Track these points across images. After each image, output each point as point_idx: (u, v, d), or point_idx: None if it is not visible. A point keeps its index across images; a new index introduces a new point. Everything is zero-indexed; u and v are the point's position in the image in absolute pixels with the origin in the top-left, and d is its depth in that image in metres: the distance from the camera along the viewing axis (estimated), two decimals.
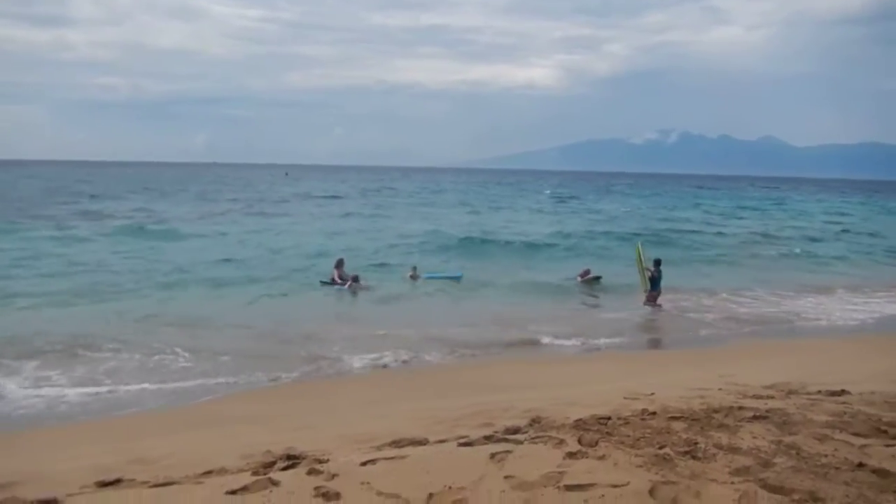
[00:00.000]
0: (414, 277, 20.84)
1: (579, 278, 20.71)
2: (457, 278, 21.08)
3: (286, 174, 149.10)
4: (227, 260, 23.95)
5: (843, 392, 7.87)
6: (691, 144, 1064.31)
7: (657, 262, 17.28)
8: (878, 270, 26.57)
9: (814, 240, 36.52)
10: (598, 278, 20.49)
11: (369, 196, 69.61)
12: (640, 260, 17.34)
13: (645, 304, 17.07)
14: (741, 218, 52.24)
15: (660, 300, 17.10)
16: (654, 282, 16.99)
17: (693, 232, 37.65)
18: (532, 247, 28.74)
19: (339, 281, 19.51)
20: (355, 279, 19.38)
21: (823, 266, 26.98)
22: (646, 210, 58.27)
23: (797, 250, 31.73)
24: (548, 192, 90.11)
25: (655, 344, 14.34)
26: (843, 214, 58.73)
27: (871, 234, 39.87)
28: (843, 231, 41.57)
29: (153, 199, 55.48)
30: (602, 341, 14.41)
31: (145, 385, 10.73)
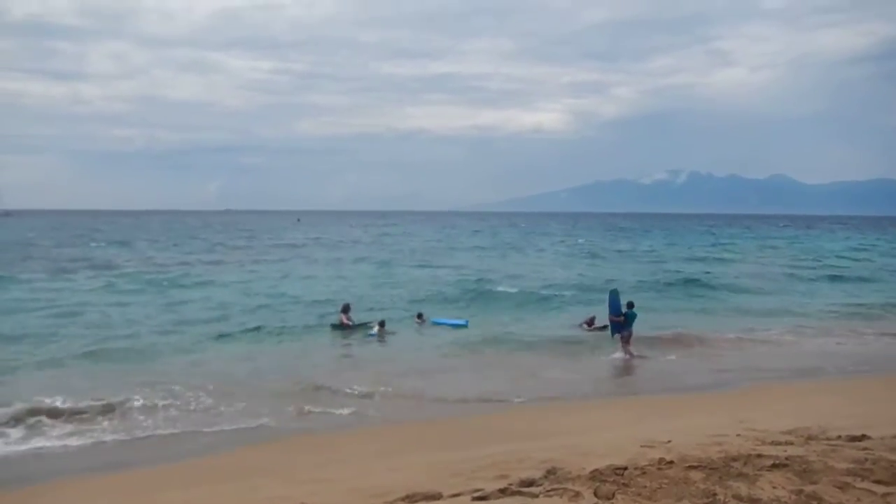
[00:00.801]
0: (421, 322, 20.84)
1: (585, 326, 20.44)
2: (463, 326, 20.90)
3: (298, 220, 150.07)
4: (239, 307, 24.02)
5: (863, 437, 7.74)
6: (700, 184, 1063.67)
7: (630, 305, 17.23)
8: None
9: (835, 277, 36.01)
10: (604, 327, 20.04)
11: (384, 242, 68.86)
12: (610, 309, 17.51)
13: (622, 350, 16.81)
14: (762, 255, 51.83)
15: (632, 346, 16.87)
16: (626, 324, 16.98)
17: (708, 273, 37.15)
18: (542, 295, 28.13)
19: (347, 323, 19.73)
20: (381, 324, 19.40)
21: (843, 306, 26.47)
22: (661, 250, 57.62)
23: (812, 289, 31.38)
24: (561, 236, 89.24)
25: (668, 389, 14.06)
26: (863, 250, 58.20)
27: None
28: (866, 268, 41.12)
29: (167, 247, 55.85)
30: (612, 387, 14.28)
31: (160, 434, 10.73)
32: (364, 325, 19.83)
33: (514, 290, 28.73)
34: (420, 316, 21.16)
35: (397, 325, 20.45)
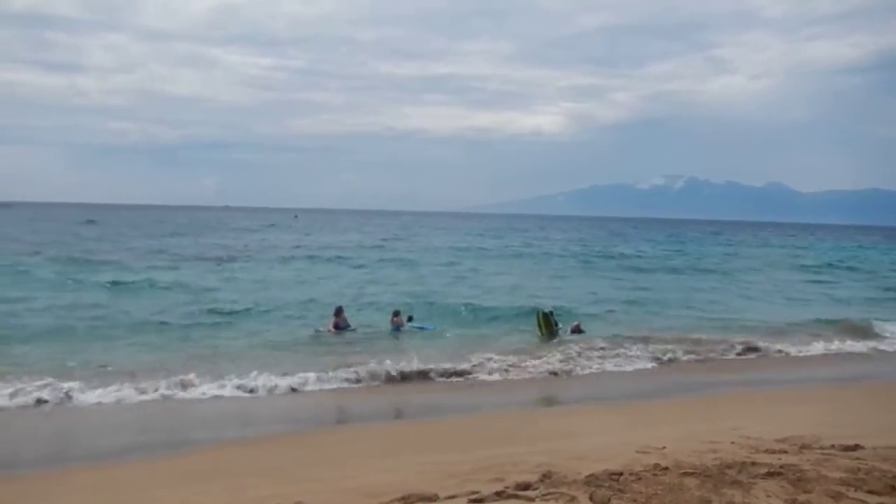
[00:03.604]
0: (407, 321, 20.54)
1: (570, 331, 20.52)
2: (430, 329, 20.53)
3: (295, 217, 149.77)
4: (235, 304, 23.80)
5: (856, 447, 7.78)
6: (698, 190, 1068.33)
7: (551, 313, 19.64)
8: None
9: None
10: (582, 332, 20.26)
11: (388, 246, 59.19)
12: (540, 326, 19.38)
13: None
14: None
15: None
16: (552, 331, 19.14)
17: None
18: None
19: (332, 330, 18.89)
20: (409, 319, 20.13)
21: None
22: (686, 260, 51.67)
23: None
24: (559, 237, 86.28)
25: (662, 394, 14.06)
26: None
27: None
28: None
29: (163, 244, 54.97)
30: (605, 392, 14.33)
31: (151, 432, 10.68)
32: (353, 330, 19.10)
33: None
34: (410, 319, 20.80)
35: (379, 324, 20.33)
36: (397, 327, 19.63)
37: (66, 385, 12.24)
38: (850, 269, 48.35)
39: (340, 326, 19.15)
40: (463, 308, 24.10)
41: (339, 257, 44.51)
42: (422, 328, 20.73)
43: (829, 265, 50.03)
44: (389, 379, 14.09)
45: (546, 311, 19.84)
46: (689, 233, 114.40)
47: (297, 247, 53.73)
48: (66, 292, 25.05)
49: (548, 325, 19.26)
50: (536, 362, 16.13)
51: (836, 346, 19.51)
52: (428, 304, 24.97)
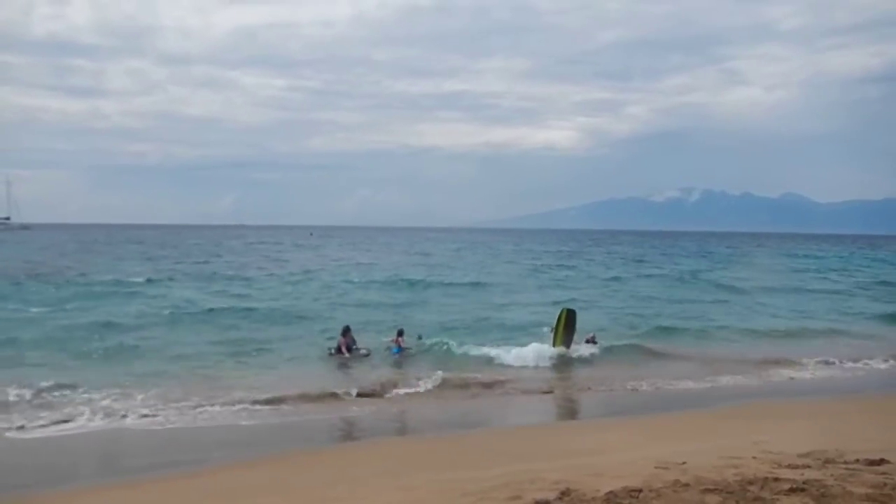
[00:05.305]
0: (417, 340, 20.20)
1: (585, 342, 20.34)
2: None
3: (310, 234, 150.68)
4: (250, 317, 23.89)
5: (882, 461, 7.61)
6: (713, 202, 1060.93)
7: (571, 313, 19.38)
8: None
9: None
10: (596, 343, 20.05)
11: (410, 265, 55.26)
12: (559, 324, 18.90)
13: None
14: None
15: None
16: (570, 332, 18.87)
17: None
18: None
19: (344, 351, 18.52)
20: (400, 334, 19.25)
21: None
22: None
23: None
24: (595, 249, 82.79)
25: (680, 407, 13.83)
26: None
27: None
28: None
29: (180, 264, 54.98)
30: (622, 407, 14.16)
31: (165, 452, 10.60)
32: (365, 355, 18.58)
33: None
34: (420, 338, 20.26)
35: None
36: (400, 348, 18.98)
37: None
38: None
39: (350, 347, 18.77)
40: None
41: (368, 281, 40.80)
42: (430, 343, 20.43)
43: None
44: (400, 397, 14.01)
45: (572, 310, 19.26)
46: (718, 248, 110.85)
47: (322, 267, 52.86)
48: (87, 314, 25.26)
49: (568, 325, 18.67)
50: (551, 376, 16.05)
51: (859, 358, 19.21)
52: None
